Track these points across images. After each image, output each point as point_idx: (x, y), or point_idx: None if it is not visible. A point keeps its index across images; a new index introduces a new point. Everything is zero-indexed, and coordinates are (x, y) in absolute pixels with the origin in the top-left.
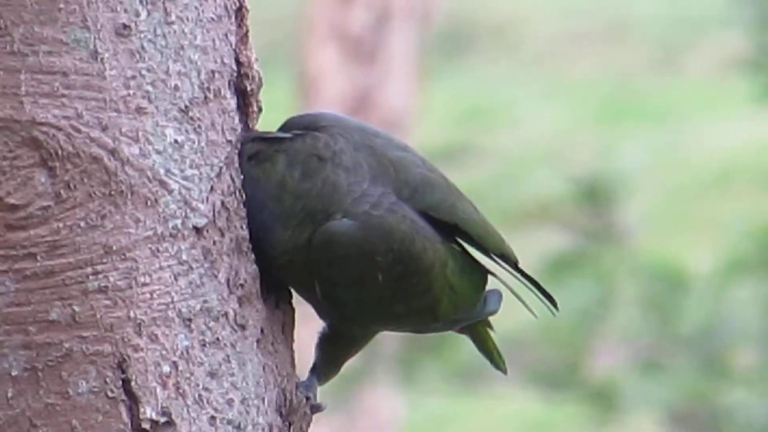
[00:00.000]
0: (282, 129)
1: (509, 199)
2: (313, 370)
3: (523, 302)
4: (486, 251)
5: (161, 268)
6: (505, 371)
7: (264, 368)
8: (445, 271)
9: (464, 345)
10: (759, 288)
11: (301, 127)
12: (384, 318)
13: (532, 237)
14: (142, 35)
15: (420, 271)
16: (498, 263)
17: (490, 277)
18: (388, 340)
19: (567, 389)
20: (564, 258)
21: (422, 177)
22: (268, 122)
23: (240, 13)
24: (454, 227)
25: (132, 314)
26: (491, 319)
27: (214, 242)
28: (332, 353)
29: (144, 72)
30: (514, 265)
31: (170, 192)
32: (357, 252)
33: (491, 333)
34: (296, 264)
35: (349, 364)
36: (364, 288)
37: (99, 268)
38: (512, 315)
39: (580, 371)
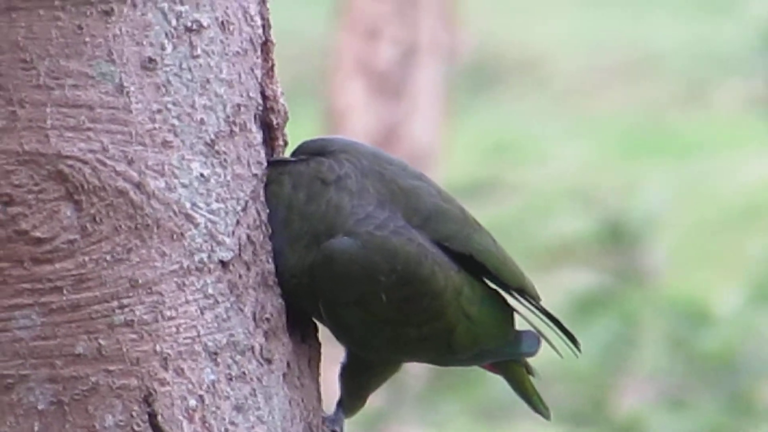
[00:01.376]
0: (294, 153)
1: (534, 237)
2: (339, 403)
3: (548, 340)
4: (504, 285)
5: (187, 301)
6: (547, 416)
7: (290, 402)
8: (459, 299)
9: (489, 382)
10: None
11: (312, 151)
12: (395, 343)
13: (558, 276)
14: (167, 69)
15: (429, 294)
16: (518, 299)
17: (521, 318)
18: (412, 379)
19: (592, 426)
20: (589, 297)
21: (435, 206)
22: None
23: (266, 47)
24: (470, 259)
25: (158, 348)
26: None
27: (240, 276)
28: (353, 383)
29: (170, 106)
30: (535, 301)
31: (196, 226)
32: (357, 270)
33: (530, 377)
34: (303, 286)
35: (373, 403)
36: (368, 309)
37: (125, 301)
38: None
39: (605, 409)
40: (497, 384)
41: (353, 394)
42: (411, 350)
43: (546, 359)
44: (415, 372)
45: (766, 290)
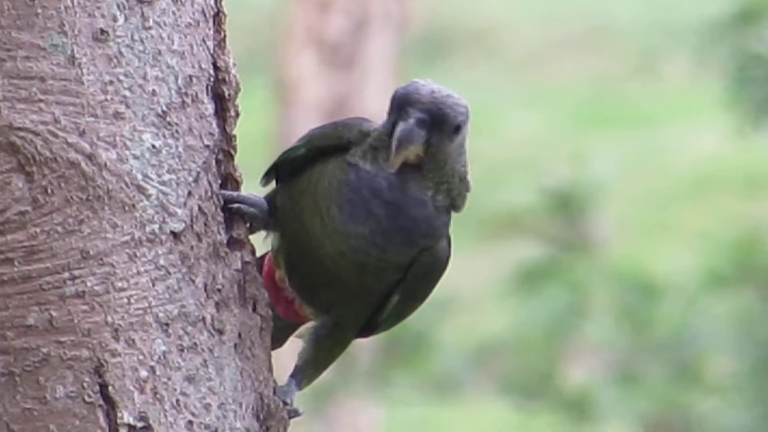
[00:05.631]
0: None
1: (486, 207)
2: (293, 375)
3: None
4: None
5: (139, 273)
6: None
7: (241, 373)
8: None
9: (439, 355)
10: (733, 300)
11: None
12: (402, 319)
13: (507, 246)
14: (119, 40)
15: None
16: None
17: None
18: (361, 353)
19: (541, 398)
20: (537, 267)
21: None
22: (246, 128)
23: (217, 18)
24: None
25: (109, 319)
26: None
27: (192, 247)
28: (324, 356)
29: (121, 77)
30: None
31: (148, 197)
32: (444, 268)
33: None
34: (383, 272)
35: (323, 377)
36: (424, 296)
37: (76, 273)
38: (486, 323)
39: (553, 380)
40: (448, 357)
41: (320, 365)
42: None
43: (495, 330)
44: (363, 346)
45: (715, 268)
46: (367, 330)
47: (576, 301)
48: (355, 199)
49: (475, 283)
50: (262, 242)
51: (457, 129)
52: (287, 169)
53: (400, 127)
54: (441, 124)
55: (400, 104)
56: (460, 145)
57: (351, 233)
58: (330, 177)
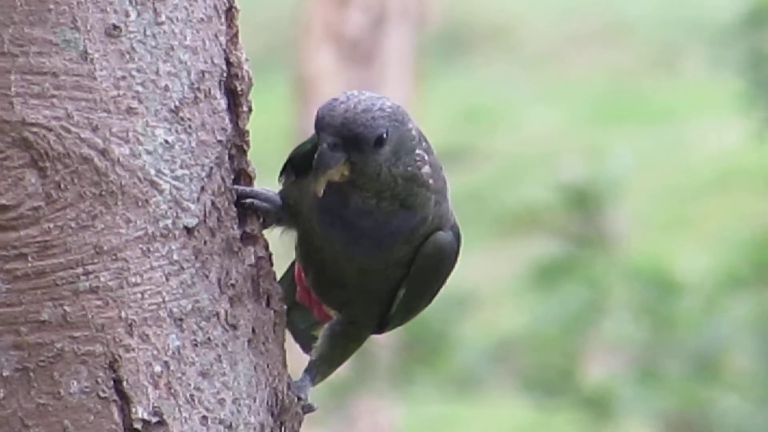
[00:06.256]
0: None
1: (504, 204)
2: (307, 370)
3: None
4: None
5: (152, 268)
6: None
7: (255, 368)
8: None
9: (457, 353)
10: (752, 298)
11: None
12: (412, 315)
13: (525, 244)
14: (132, 36)
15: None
16: None
17: None
18: (380, 349)
19: (560, 395)
20: (555, 263)
21: None
22: (262, 124)
23: (230, 13)
24: None
25: (123, 314)
26: None
27: (205, 242)
28: (338, 352)
29: (134, 72)
30: None
31: (161, 192)
32: (452, 259)
33: None
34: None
35: (340, 373)
36: (433, 291)
37: (90, 268)
38: (504, 320)
39: (573, 377)
40: (467, 354)
41: (334, 362)
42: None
43: (514, 327)
44: (383, 344)
45: (734, 268)
46: (379, 327)
47: (594, 298)
48: (323, 207)
49: (493, 280)
50: (278, 239)
51: (379, 142)
52: (299, 165)
53: (318, 153)
54: (356, 143)
55: (316, 128)
56: (395, 151)
57: (333, 238)
58: None
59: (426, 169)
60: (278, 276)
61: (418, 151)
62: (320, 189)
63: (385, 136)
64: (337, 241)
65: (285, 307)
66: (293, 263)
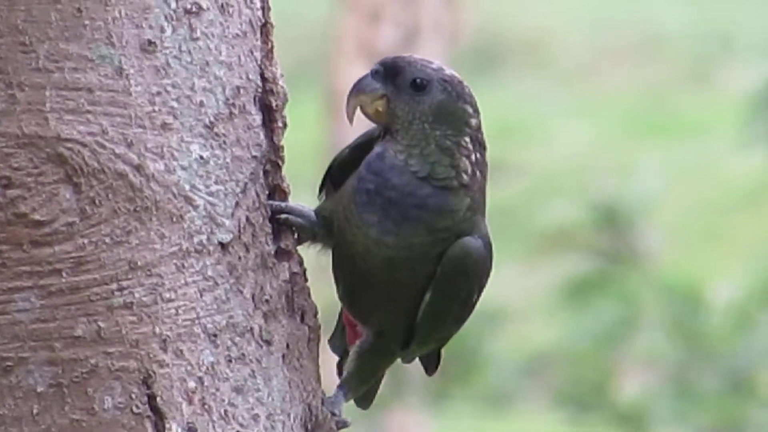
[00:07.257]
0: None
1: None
2: (340, 386)
3: None
4: None
5: (186, 283)
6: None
7: (290, 383)
8: None
9: (490, 369)
10: None
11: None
12: (437, 339)
13: (557, 260)
14: (167, 51)
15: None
16: None
17: None
18: (415, 366)
19: (594, 411)
20: (587, 279)
21: None
22: (295, 139)
23: (265, 28)
24: None
25: (157, 330)
26: None
27: (240, 258)
28: (367, 368)
29: (169, 88)
30: None
31: (195, 208)
32: (481, 268)
33: None
34: (419, 269)
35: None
36: (464, 302)
37: (124, 284)
38: (537, 336)
39: (606, 392)
40: (500, 370)
41: (364, 377)
42: (440, 340)
43: (546, 343)
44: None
45: (764, 273)
46: (406, 342)
47: (627, 314)
48: (361, 186)
49: (525, 296)
50: (315, 257)
51: (416, 85)
52: (337, 179)
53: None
54: (395, 76)
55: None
56: (436, 115)
57: (367, 222)
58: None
59: (465, 161)
60: (312, 292)
61: (465, 139)
62: (350, 113)
63: (425, 83)
64: (369, 222)
65: (320, 323)
66: (341, 312)
